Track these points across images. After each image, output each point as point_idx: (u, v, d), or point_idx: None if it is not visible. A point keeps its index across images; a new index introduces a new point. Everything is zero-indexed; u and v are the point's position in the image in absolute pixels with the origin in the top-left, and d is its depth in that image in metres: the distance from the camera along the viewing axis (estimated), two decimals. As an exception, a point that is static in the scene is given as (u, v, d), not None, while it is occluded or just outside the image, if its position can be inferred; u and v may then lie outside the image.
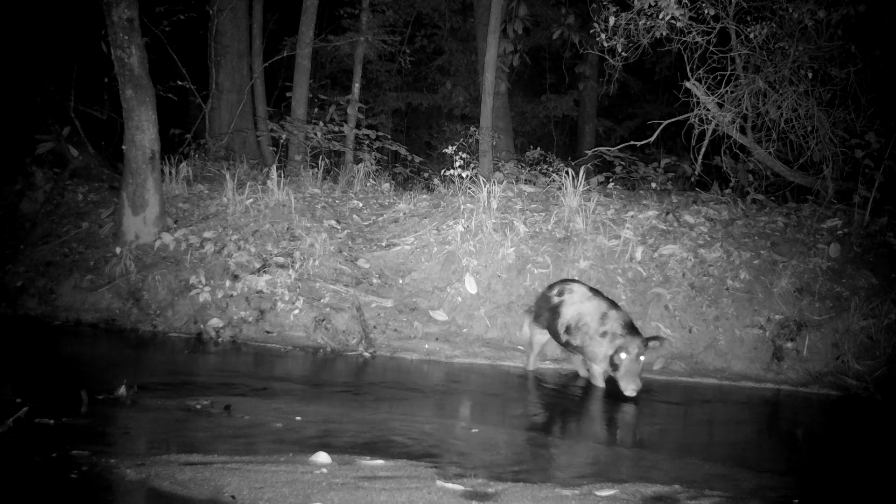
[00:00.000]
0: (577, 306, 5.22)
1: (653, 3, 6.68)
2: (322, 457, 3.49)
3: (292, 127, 9.66)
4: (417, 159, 10.13)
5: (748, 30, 6.88)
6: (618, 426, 4.78)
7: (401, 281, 6.76)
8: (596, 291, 5.37)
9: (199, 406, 4.29)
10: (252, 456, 3.55)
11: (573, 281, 5.60)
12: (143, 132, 6.83)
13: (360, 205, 8.06)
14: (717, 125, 7.27)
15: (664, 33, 6.88)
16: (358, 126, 10.14)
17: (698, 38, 6.96)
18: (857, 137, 6.94)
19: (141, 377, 4.74)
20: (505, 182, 7.96)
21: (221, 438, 3.79)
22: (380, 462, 3.53)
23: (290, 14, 11.97)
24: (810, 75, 6.91)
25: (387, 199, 8.36)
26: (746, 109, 7.17)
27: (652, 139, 7.70)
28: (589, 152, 8.38)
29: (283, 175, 7.78)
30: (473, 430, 4.28)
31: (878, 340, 5.70)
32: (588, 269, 6.40)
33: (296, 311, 6.29)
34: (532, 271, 6.48)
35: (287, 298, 6.35)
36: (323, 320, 6.25)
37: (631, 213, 7.02)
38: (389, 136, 10.50)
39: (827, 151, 7.06)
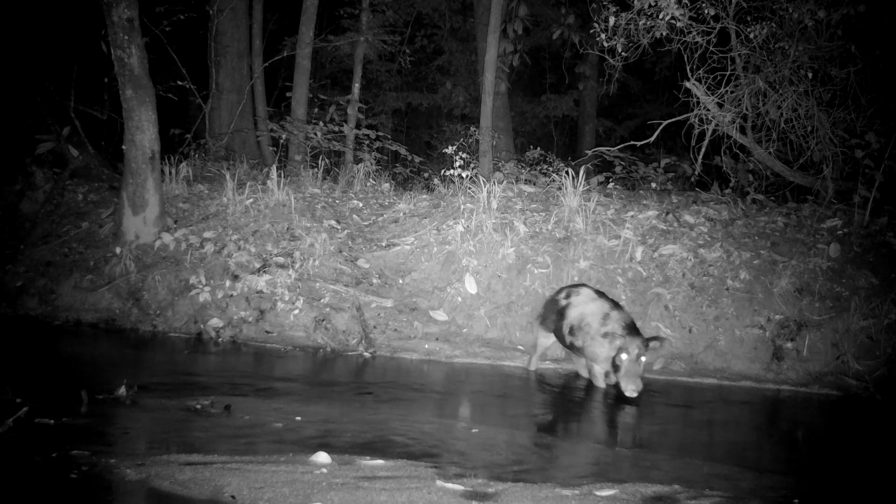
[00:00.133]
0: (581, 308, 5.23)
1: (653, 3, 6.68)
2: (322, 457, 3.49)
3: (292, 127, 9.66)
4: (417, 159, 10.13)
5: (748, 30, 6.89)
6: (618, 426, 4.78)
7: (401, 281, 6.76)
8: (601, 294, 5.37)
9: (199, 406, 4.29)
10: (252, 456, 3.55)
11: (581, 285, 5.59)
12: (143, 132, 6.83)
13: (360, 205, 8.06)
14: (717, 125, 7.27)
15: (664, 33, 6.89)
16: (358, 126, 10.14)
17: (698, 38, 6.97)
18: (857, 137, 6.94)
19: (141, 377, 4.74)
20: (505, 182, 7.96)
21: (221, 438, 3.79)
22: (380, 462, 3.52)
23: (290, 14, 11.97)
24: (810, 75, 6.91)
25: (387, 199, 8.36)
26: (746, 109, 7.17)
27: (652, 139, 7.70)
28: (589, 152, 8.38)
29: (283, 175, 7.79)
30: (473, 430, 4.28)
31: (878, 340, 5.70)
32: (588, 269, 6.40)
33: (296, 311, 6.29)
34: (532, 271, 6.47)
35: (287, 298, 6.35)
36: (323, 320, 6.25)
37: (631, 213, 7.02)
38: (389, 136, 10.51)
39: (827, 151, 7.07)
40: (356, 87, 10.55)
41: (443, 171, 7.93)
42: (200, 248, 6.88)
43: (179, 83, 9.59)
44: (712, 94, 7.16)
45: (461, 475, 3.42)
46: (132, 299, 6.58)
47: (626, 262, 6.47)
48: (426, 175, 9.92)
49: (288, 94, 10.29)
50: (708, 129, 7.29)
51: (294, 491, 3.09)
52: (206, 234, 7.02)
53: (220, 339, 6.18)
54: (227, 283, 6.49)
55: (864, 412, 5.22)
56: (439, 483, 3.26)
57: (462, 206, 7.10)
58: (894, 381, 5.44)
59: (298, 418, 4.19)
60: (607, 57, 7.44)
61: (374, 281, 6.74)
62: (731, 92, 7.17)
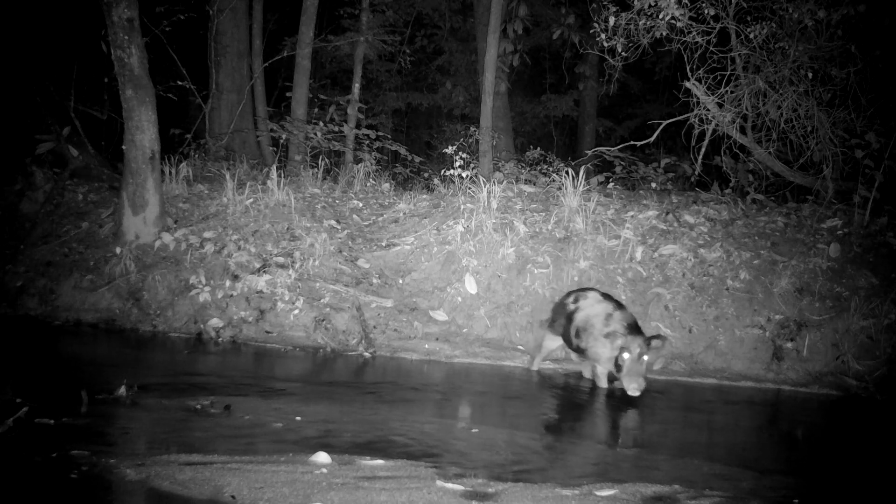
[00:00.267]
0: (588, 310, 5.24)
1: (653, 3, 6.68)
2: (322, 457, 3.49)
3: (292, 127, 9.66)
4: (417, 159, 10.14)
5: (748, 30, 6.89)
6: (618, 426, 4.78)
7: (401, 281, 6.76)
8: (607, 296, 5.37)
9: (199, 406, 4.29)
10: (252, 456, 3.54)
11: (589, 289, 5.59)
12: (143, 132, 6.83)
13: (360, 205, 8.06)
14: (717, 125, 7.27)
15: (664, 33, 6.89)
16: (358, 126, 10.15)
17: (698, 38, 6.97)
18: (857, 137, 6.94)
19: (141, 377, 4.73)
20: (505, 182, 7.96)
21: (221, 438, 3.79)
22: (380, 462, 3.52)
23: (290, 14, 11.98)
24: (810, 75, 6.91)
25: (387, 199, 8.36)
26: (746, 109, 7.17)
27: (652, 139, 7.71)
28: (589, 152, 8.38)
29: (283, 175, 7.79)
30: (473, 430, 4.28)
31: (878, 340, 5.70)
32: (588, 269, 6.40)
33: (296, 311, 6.29)
34: (532, 271, 6.47)
35: (287, 298, 6.35)
36: (323, 320, 6.25)
37: (631, 213, 7.02)
38: (389, 136, 10.51)
39: (827, 151, 7.07)
40: (356, 87, 10.56)
41: (443, 171, 7.93)
42: (200, 248, 6.88)
43: (179, 83, 9.59)
44: (712, 94, 7.16)
45: (461, 475, 3.42)
46: (132, 299, 6.58)
47: (626, 262, 6.47)
48: (426, 175, 9.92)
49: (288, 94, 10.29)
50: (708, 129, 7.29)
51: (294, 491, 3.09)
52: (206, 234, 7.02)
53: (220, 339, 6.18)
54: (227, 283, 6.49)
55: (864, 412, 5.22)
56: (439, 483, 3.26)
57: (462, 206, 7.11)
58: (894, 381, 5.44)
59: (298, 418, 4.19)
60: (607, 57, 7.44)
61: (374, 281, 6.74)
62: (731, 92, 7.17)
